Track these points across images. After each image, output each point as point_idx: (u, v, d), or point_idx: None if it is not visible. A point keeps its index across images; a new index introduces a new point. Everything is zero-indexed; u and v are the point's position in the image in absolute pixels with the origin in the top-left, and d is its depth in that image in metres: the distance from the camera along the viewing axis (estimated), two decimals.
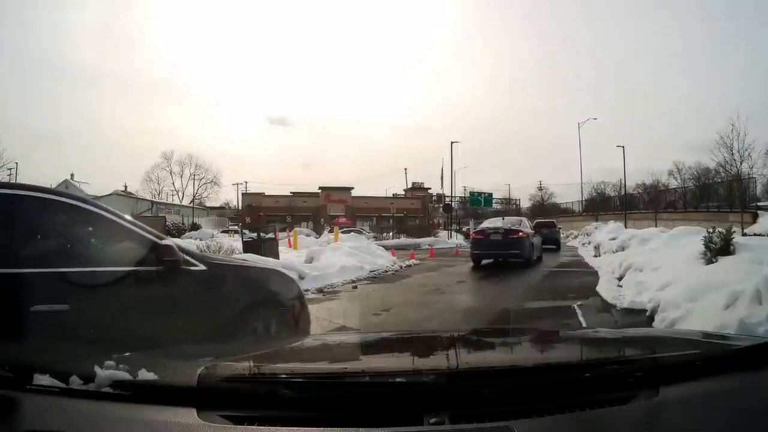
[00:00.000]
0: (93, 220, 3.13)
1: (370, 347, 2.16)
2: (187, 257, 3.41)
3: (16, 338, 2.50)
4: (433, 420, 1.22)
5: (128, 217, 3.39)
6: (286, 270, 4.78)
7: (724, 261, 7.41)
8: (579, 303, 7.98)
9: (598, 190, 62.75)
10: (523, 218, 20.25)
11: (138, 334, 2.80)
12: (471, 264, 16.26)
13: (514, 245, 15.17)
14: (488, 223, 17.22)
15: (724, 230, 8.23)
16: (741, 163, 31.32)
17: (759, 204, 30.82)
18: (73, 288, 2.82)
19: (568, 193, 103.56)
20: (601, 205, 55.61)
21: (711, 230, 8.38)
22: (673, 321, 5.63)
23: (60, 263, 2.89)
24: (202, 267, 3.46)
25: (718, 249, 7.91)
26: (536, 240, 17.15)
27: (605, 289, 9.24)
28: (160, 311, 3.17)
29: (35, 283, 2.71)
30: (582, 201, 57.87)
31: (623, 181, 50.45)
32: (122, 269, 3.06)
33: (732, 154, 31.54)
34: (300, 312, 4.12)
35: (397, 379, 1.41)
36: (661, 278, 7.69)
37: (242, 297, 3.68)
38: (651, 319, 6.33)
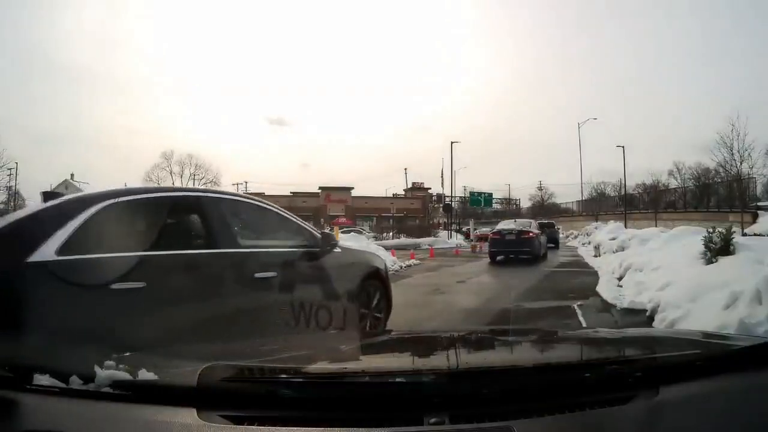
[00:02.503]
0: (281, 219, 4.70)
1: (370, 347, 2.16)
2: (333, 242, 4.98)
3: (243, 297, 3.80)
4: (433, 420, 1.22)
5: (296, 217, 4.91)
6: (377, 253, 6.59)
7: (724, 261, 7.39)
8: (579, 303, 7.96)
9: (598, 190, 62.78)
10: (531, 220, 22.59)
11: (311, 291, 4.24)
12: (471, 264, 16.88)
13: (525, 244, 17.56)
14: (503, 225, 19.53)
15: (724, 230, 8.22)
16: (741, 163, 31.42)
17: (759, 204, 30.83)
18: (276, 260, 4.17)
19: (568, 193, 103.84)
20: (601, 205, 55.54)
21: (711, 230, 8.37)
22: (673, 321, 5.62)
23: (265, 245, 4.36)
24: (339, 249, 5.03)
25: (718, 249, 7.90)
26: (543, 239, 19.86)
27: (605, 289, 9.22)
28: (321, 276, 4.55)
29: (254, 258, 4.01)
30: (582, 201, 57.84)
31: (623, 181, 50.51)
32: (300, 249, 4.53)
33: (732, 154, 31.64)
34: (388, 281, 5.78)
35: (397, 379, 1.41)
36: (661, 278, 7.67)
37: (362, 270, 5.32)
38: (651, 319, 6.32)
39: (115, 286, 3.00)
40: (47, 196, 3.63)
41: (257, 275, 3.86)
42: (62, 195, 3.64)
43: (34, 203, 3.77)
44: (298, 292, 4.07)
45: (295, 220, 4.82)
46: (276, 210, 4.73)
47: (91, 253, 3.06)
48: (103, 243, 3.16)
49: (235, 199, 4.50)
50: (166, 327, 3.14)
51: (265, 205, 4.66)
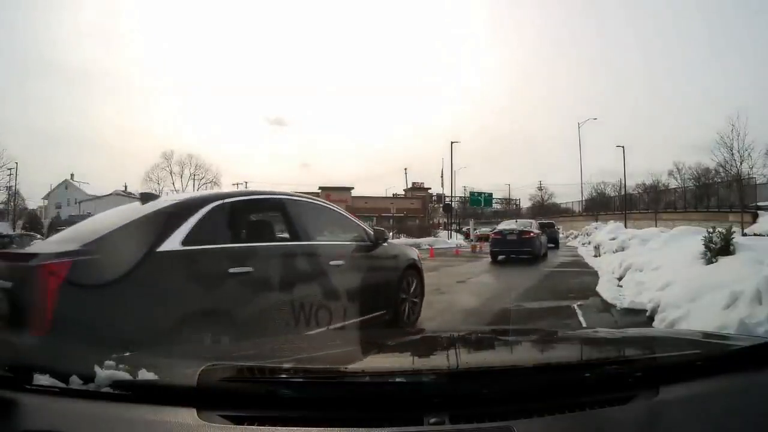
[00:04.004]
0: (343, 217, 5.69)
1: (370, 347, 2.16)
2: (383, 238, 5.92)
3: (323, 279, 4.51)
4: (433, 420, 1.22)
5: (354, 216, 6.00)
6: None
7: (724, 261, 7.37)
8: (579, 303, 7.95)
9: (598, 191, 62.77)
10: (532, 221, 22.86)
11: (368, 277, 5.13)
12: (471, 264, 16.94)
13: (526, 243, 17.84)
14: (504, 225, 19.83)
15: (724, 230, 8.21)
16: (741, 163, 31.42)
17: (759, 204, 30.80)
18: (342, 251, 5.07)
19: (568, 193, 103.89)
20: (601, 205, 55.59)
21: (711, 230, 8.37)
22: (674, 321, 5.61)
23: (334, 239, 5.26)
24: (386, 244, 6.00)
25: (718, 249, 7.88)
26: (543, 239, 20.24)
27: (605, 289, 9.21)
28: (374, 265, 5.52)
29: (328, 249, 4.89)
30: (582, 201, 57.88)
31: (623, 181, 50.53)
32: (359, 243, 5.47)
33: (732, 154, 31.65)
34: (422, 271, 6.73)
35: (397, 379, 1.41)
36: (661, 278, 7.66)
37: (403, 261, 6.28)
38: (651, 319, 6.31)
39: (231, 270, 3.73)
40: (145, 197, 4.30)
41: (331, 263, 4.75)
42: (157, 197, 4.45)
43: (136, 204, 4.33)
44: (358, 278, 4.98)
45: (353, 218, 5.89)
46: (338, 210, 5.78)
47: (208, 244, 3.73)
48: (216, 236, 3.87)
49: (308, 201, 5.32)
50: (270, 302, 3.94)
51: (330, 206, 5.70)
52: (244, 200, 4.48)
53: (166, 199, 4.23)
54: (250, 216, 4.56)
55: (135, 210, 4.00)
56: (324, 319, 4.18)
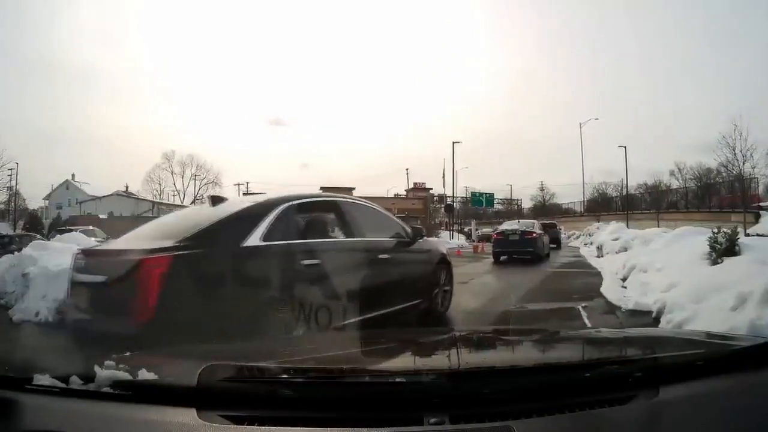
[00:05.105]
0: (386, 217, 6.30)
1: (370, 347, 2.16)
2: (420, 234, 6.52)
3: (375, 270, 4.99)
4: (433, 420, 1.22)
5: (394, 215, 6.84)
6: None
7: (730, 262, 7.30)
8: (583, 304, 7.83)
9: (600, 191, 62.69)
10: (534, 221, 22.69)
11: (409, 269, 5.89)
12: (473, 264, 16.74)
13: (528, 244, 17.74)
14: (507, 226, 19.81)
15: (729, 230, 8.16)
16: (743, 163, 31.35)
17: (761, 204, 30.74)
18: (388, 246, 5.64)
19: (569, 193, 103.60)
20: (603, 205, 55.47)
21: (716, 230, 8.31)
22: (680, 323, 5.52)
23: (380, 236, 5.69)
24: (422, 240, 6.59)
25: (724, 249, 7.84)
26: (545, 239, 20.09)
27: (609, 290, 9.11)
28: (413, 259, 6.16)
29: (378, 244, 5.48)
30: (584, 201, 57.86)
31: (625, 182, 50.40)
32: (400, 240, 5.97)
33: (734, 154, 31.59)
34: (451, 264, 7.30)
35: (397, 379, 1.40)
36: (666, 279, 7.57)
37: (436, 255, 6.84)
38: (657, 320, 6.22)
39: (304, 262, 4.23)
40: (215, 200, 4.74)
41: (380, 256, 5.32)
42: (226, 199, 4.97)
43: (204, 205, 4.97)
44: (401, 270, 5.67)
45: (393, 217, 6.69)
46: (382, 210, 6.39)
47: (283, 240, 4.26)
48: (288, 233, 4.39)
49: (357, 202, 6.04)
50: (335, 290, 4.29)
51: (374, 206, 6.26)
52: (307, 202, 5.03)
53: (241, 200, 4.90)
54: (313, 215, 5.05)
55: (213, 210, 4.44)
56: (376, 306, 4.76)
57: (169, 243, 3.66)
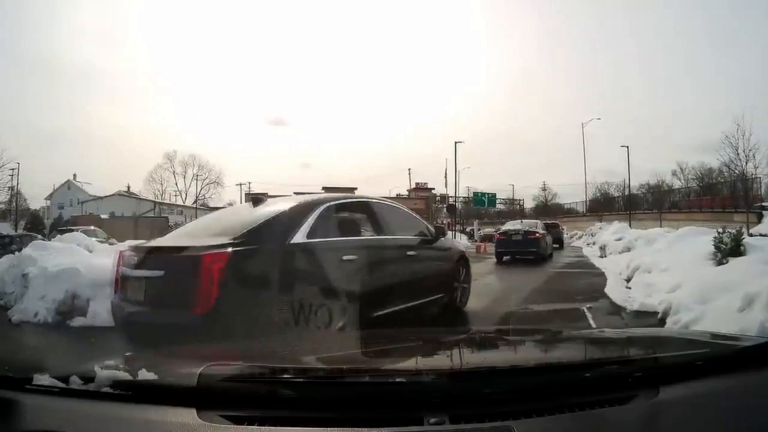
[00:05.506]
0: (411, 217, 6.67)
1: (370, 347, 2.17)
2: (442, 233, 7.06)
3: (405, 265, 5.55)
4: (433, 420, 1.21)
5: (419, 216, 7.09)
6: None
7: (735, 262, 7.26)
8: (588, 305, 7.71)
9: (602, 191, 62.60)
10: (537, 221, 22.49)
11: (432, 265, 6.33)
12: (476, 265, 16.30)
13: (532, 244, 17.60)
14: (510, 226, 19.69)
15: (734, 230, 8.11)
16: (746, 163, 31.23)
17: (764, 204, 30.64)
18: (414, 244, 6.01)
19: (571, 193, 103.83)
20: (605, 205, 55.37)
21: (721, 230, 8.25)
22: (687, 324, 5.44)
23: (407, 234, 6.04)
24: (443, 238, 7.04)
25: (729, 250, 7.79)
26: (548, 239, 19.90)
27: (614, 290, 9.00)
28: (436, 256, 6.59)
29: (406, 242, 5.87)
30: (586, 201, 57.71)
31: (627, 182, 50.28)
32: (423, 238, 6.36)
33: (737, 153, 31.47)
34: (469, 262, 7.78)
35: (397, 379, 1.40)
36: (671, 280, 7.50)
37: (456, 253, 7.36)
38: (663, 321, 6.13)
39: (344, 257, 4.57)
40: (255, 201, 5.06)
41: (408, 253, 5.72)
42: (265, 200, 5.16)
43: (245, 205, 5.35)
44: (426, 266, 6.12)
45: (418, 217, 7.02)
46: (408, 211, 6.81)
47: (325, 237, 4.58)
48: (328, 231, 4.71)
49: (387, 203, 6.48)
50: (371, 284, 4.66)
51: (401, 207, 6.77)
52: (344, 202, 5.40)
53: (281, 201, 5.13)
54: (349, 215, 5.43)
55: (256, 210, 4.72)
56: (405, 298, 5.33)
57: (224, 240, 3.92)
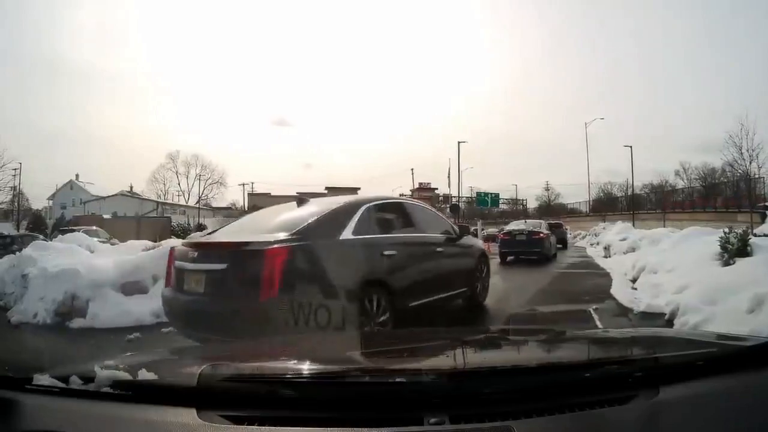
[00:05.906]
0: (438, 216, 7.26)
1: (370, 347, 2.17)
2: (466, 232, 7.65)
3: (435, 260, 6.11)
4: (433, 420, 1.21)
5: (444, 216, 7.77)
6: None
7: (742, 262, 7.19)
8: (594, 307, 7.58)
9: (605, 191, 62.49)
10: (541, 221, 22.54)
11: (457, 261, 6.80)
12: None
13: (536, 244, 17.65)
14: (513, 226, 19.81)
15: (740, 231, 8.04)
16: (750, 163, 31.16)
17: (767, 204, 30.54)
18: (441, 241, 6.54)
19: (574, 193, 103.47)
20: (608, 205, 55.29)
21: (727, 230, 8.18)
22: (695, 325, 5.36)
23: (433, 232, 6.52)
24: (466, 236, 7.50)
25: (736, 250, 7.72)
26: (552, 239, 19.98)
27: (620, 291, 8.87)
28: (461, 253, 7.06)
29: (435, 239, 6.42)
30: (589, 201, 57.58)
31: (630, 182, 50.18)
32: (449, 236, 6.87)
33: (741, 153, 31.39)
34: (488, 259, 8.41)
35: (398, 379, 1.40)
36: (678, 280, 7.42)
37: (477, 250, 7.85)
38: (670, 323, 6.04)
39: (385, 252, 5.07)
40: (300, 201, 5.47)
41: (437, 249, 6.28)
42: (309, 200, 5.58)
43: (289, 204, 5.64)
44: (452, 262, 6.62)
45: (443, 217, 7.68)
46: (434, 211, 7.49)
47: (368, 234, 5.07)
48: (371, 229, 5.20)
49: (417, 203, 7.12)
50: (407, 276, 5.28)
51: (429, 207, 7.42)
52: (383, 203, 5.88)
53: (328, 201, 5.72)
54: (386, 214, 5.88)
55: (304, 209, 5.18)
56: (436, 290, 5.89)
57: (284, 236, 4.31)
